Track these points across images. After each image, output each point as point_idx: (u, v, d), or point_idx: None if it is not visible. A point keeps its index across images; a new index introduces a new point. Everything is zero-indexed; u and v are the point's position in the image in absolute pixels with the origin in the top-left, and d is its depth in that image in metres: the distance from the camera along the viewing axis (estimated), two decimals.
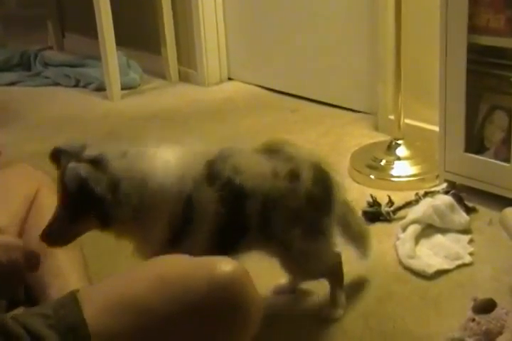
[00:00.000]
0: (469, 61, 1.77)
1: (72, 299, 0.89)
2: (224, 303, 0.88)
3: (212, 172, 1.23)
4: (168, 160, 1.23)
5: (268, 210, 1.26)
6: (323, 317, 1.44)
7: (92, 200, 1.14)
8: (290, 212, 1.28)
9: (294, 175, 1.27)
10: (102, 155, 1.16)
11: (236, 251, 1.27)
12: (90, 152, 1.17)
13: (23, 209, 1.22)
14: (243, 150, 1.31)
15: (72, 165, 1.14)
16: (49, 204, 1.23)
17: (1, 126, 2.66)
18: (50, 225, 1.16)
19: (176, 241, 1.22)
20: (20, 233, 1.22)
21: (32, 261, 1.08)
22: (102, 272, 1.40)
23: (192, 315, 0.87)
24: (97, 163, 1.15)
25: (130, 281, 0.92)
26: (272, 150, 1.31)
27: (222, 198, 1.22)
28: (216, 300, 0.88)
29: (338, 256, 1.43)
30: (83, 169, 1.14)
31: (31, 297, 1.23)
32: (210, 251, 1.20)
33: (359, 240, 1.46)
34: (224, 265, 0.91)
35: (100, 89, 2.96)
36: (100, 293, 0.92)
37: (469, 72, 1.78)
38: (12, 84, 3.18)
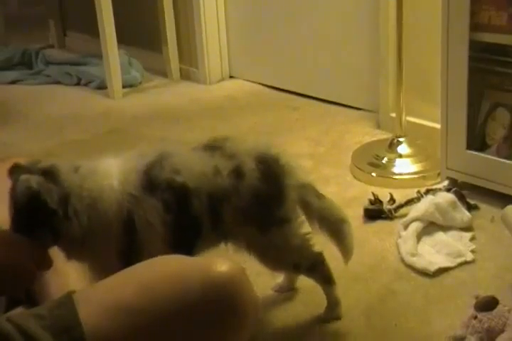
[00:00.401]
0: (471, 58, 1.76)
1: (68, 300, 0.88)
2: (220, 303, 0.87)
3: (151, 180, 1.20)
4: (111, 175, 1.20)
5: (216, 209, 1.24)
6: (323, 317, 1.43)
7: (43, 214, 1.11)
8: (239, 210, 1.26)
9: (237, 173, 1.24)
10: (54, 167, 1.15)
11: (197, 251, 1.26)
12: (43, 165, 1.15)
13: None
14: (181, 150, 1.27)
15: (23, 176, 1.11)
16: None
17: (2, 124, 2.67)
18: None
19: (130, 256, 1.20)
20: None
21: (44, 258, 1.08)
22: None
23: (188, 316, 0.87)
24: (49, 174, 1.14)
25: (126, 282, 0.91)
26: (213, 147, 1.28)
27: (165, 204, 1.20)
28: (212, 300, 0.87)
29: (319, 254, 1.38)
30: (34, 180, 1.11)
31: (31, 296, 1.23)
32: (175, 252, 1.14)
33: (332, 231, 1.38)
34: (219, 265, 0.90)
35: (102, 87, 2.96)
36: (96, 294, 0.91)
37: (471, 69, 1.77)
38: (13, 82, 3.18)
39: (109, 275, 0.96)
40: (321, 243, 1.39)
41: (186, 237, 1.24)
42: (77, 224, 1.15)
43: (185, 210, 1.22)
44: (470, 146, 1.84)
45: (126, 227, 1.19)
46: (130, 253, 1.20)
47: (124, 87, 2.91)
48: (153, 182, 1.20)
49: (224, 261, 0.91)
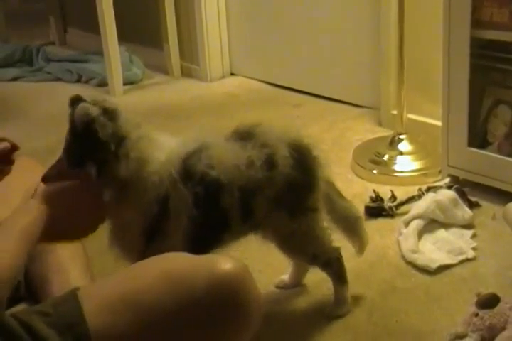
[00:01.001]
0: (472, 55, 1.76)
1: (73, 297, 0.89)
2: (224, 301, 0.88)
3: (187, 170, 1.21)
4: (163, 150, 1.21)
5: (248, 201, 1.25)
6: (327, 313, 1.44)
7: (93, 144, 1.13)
8: (271, 199, 1.27)
9: (270, 163, 1.25)
10: (116, 110, 1.17)
11: (223, 244, 1.27)
12: (106, 104, 1.17)
13: (23, 203, 1.22)
14: (218, 141, 1.27)
15: (84, 104, 1.14)
16: None
17: (3, 121, 2.66)
18: (51, 168, 1.15)
19: (152, 238, 1.21)
20: None
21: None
22: (104, 269, 1.40)
23: (192, 313, 0.87)
24: (109, 113, 1.15)
25: (130, 279, 0.92)
26: (245, 135, 1.27)
27: (196, 197, 1.20)
28: (216, 297, 0.87)
29: (337, 249, 1.41)
30: (93, 109, 1.14)
31: (32, 293, 1.23)
32: (193, 247, 1.17)
33: (349, 229, 1.43)
34: (224, 263, 0.91)
35: (102, 84, 2.96)
36: (101, 291, 0.92)
37: (473, 66, 1.77)
38: (14, 79, 3.17)
39: (125, 241, 0.96)
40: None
41: (212, 232, 1.24)
42: (124, 168, 1.15)
43: (215, 205, 1.22)
44: (471, 143, 1.83)
45: (161, 206, 1.19)
46: (155, 233, 1.20)
47: (124, 84, 2.91)
48: (189, 172, 1.20)
49: (228, 259, 0.92)
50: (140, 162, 1.17)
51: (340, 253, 1.41)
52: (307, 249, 1.37)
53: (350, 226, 1.43)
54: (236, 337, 0.91)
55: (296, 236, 1.33)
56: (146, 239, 1.21)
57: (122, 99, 2.85)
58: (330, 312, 1.44)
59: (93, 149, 1.14)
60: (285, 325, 1.43)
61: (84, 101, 1.16)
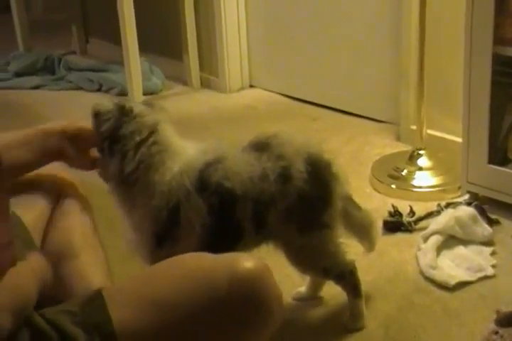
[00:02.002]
0: (494, 72, 1.76)
1: (98, 297, 0.90)
2: (246, 298, 0.89)
3: (203, 180, 1.22)
4: (178, 158, 1.23)
5: (261, 213, 1.25)
6: (344, 326, 1.43)
7: (113, 137, 1.21)
8: (283, 212, 1.26)
9: (285, 176, 1.24)
10: (132, 109, 1.22)
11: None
12: (126, 105, 1.24)
13: (48, 207, 1.23)
14: (234, 152, 1.27)
15: (104, 101, 1.24)
16: (73, 204, 1.24)
17: (25, 128, 2.68)
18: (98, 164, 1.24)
19: (163, 242, 1.23)
20: (45, 232, 1.22)
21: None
22: (124, 274, 1.40)
23: (215, 311, 0.88)
24: (124, 110, 1.22)
25: (153, 279, 0.93)
26: (262, 146, 1.27)
27: (210, 207, 1.21)
28: (238, 295, 0.88)
29: (351, 263, 1.39)
30: (106, 104, 1.22)
31: (55, 299, 1.23)
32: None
33: (363, 233, 1.43)
34: (245, 261, 0.92)
35: (122, 94, 2.98)
36: (125, 291, 0.93)
37: (494, 83, 1.77)
38: (36, 87, 3.22)
39: (137, 239, 1.05)
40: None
41: (226, 241, 1.25)
42: (128, 167, 1.20)
43: (229, 216, 1.23)
44: (491, 160, 1.83)
45: (170, 214, 1.21)
46: (165, 238, 1.23)
47: (144, 94, 2.93)
48: (204, 183, 1.22)
49: (249, 257, 0.94)
50: (147, 167, 1.20)
51: (354, 267, 1.40)
52: (317, 263, 1.37)
53: (364, 230, 1.43)
54: (257, 335, 0.92)
55: (305, 251, 1.33)
56: (157, 242, 1.23)
57: None
58: (345, 325, 1.43)
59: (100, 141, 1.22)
60: (301, 337, 1.42)
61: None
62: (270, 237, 1.32)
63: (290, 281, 1.53)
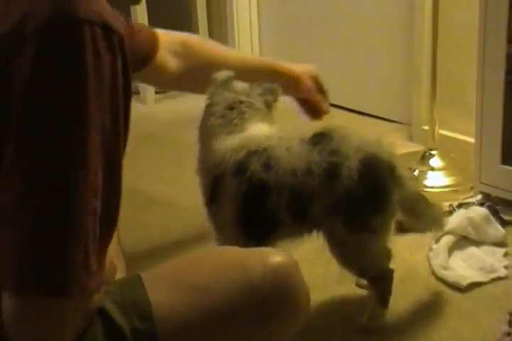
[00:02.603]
0: (507, 72, 1.75)
1: (137, 279, 0.93)
2: (278, 289, 0.93)
3: (240, 166, 1.26)
4: (239, 139, 1.30)
5: (301, 204, 1.26)
6: (360, 325, 1.41)
7: None
8: (330, 206, 1.25)
9: (332, 173, 1.22)
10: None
11: (275, 241, 1.31)
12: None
13: None
14: (290, 141, 1.28)
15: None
16: None
17: None
18: None
19: (209, 203, 1.33)
20: None
21: None
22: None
23: (248, 298, 0.92)
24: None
25: (191, 266, 0.98)
26: (319, 138, 1.26)
27: (241, 193, 1.25)
28: (271, 285, 0.92)
29: (389, 271, 1.39)
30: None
31: None
32: (242, 238, 1.27)
33: (433, 225, 1.44)
34: (276, 255, 0.96)
35: (134, 92, 2.98)
36: (163, 275, 0.96)
37: (507, 82, 1.76)
38: None
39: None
40: None
41: (260, 229, 1.28)
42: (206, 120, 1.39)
43: (260, 205, 1.26)
44: (505, 161, 1.82)
45: (215, 181, 1.29)
46: (210, 201, 1.32)
47: (156, 92, 2.93)
48: (241, 168, 1.25)
49: (279, 252, 0.98)
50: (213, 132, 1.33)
51: (391, 276, 1.39)
52: (355, 261, 1.35)
53: (433, 223, 1.43)
54: (284, 325, 0.95)
55: (347, 247, 1.32)
56: (206, 200, 1.33)
57: (154, 108, 2.87)
58: (362, 324, 1.42)
59: None
60: (315, 334, 1.42)
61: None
62: (316, 227, 1.32)
63: None
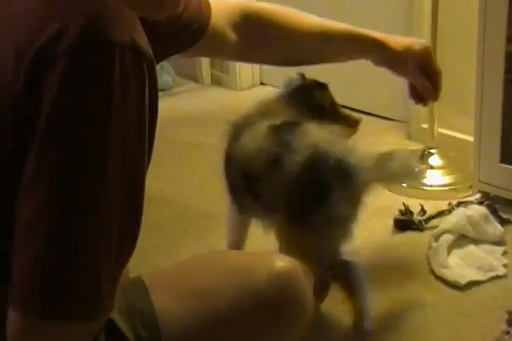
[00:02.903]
0: (507, 70, 1.75)
1: (141, 285, 0.92)
2: (283, 293, 0.92)
3: (228, 137, 1.38)
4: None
5: (251, 185, 1.31)
6: (353, 328, 1.40)
7: None
8: (273, 193, 1.29)
9: (275, 162, 1.27)
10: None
11: (244, 211, 1.38)
12: None
13: None
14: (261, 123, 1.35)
15: None
16: None
17: None
18: None
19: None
20: None
21: None
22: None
23: (253, 303, 0.91)
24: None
25: (195, 269, 0.97)
26: (283, 128, 1.32)
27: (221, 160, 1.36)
28: (276, 289, 0.92)
29: (351, 265, 1.35)
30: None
31: None
32: None
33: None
34: (281, 259, 0.96)
35: None
36: (166, 278, 0.95)
37: (507, 81, 1.76)
38: None
39: None
40: None
41: (231, 197, 1.37)
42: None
43: (227, 175, 1.37)
44: (504, 159, 1.82)
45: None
46: None
47: None
48: (226, 142, 1.39)
49: (284, 256, 0.98)
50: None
51: (356, 269, 1.34)
52: (303, 257, 1.32)
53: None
54: (290, 331, 0.95)
55: (292, 241, 1.31)
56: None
57: None
58: (354, 326, 1.39)
59: None
60: (315, 334, 1.41)
61: None
62: (271, 213, 1.33)
63: None
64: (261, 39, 1.38)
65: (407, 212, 1.82)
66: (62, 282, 0.75)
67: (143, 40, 0.79)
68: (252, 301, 0.91)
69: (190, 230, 1.84)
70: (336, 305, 1.47)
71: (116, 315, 0.86)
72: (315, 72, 2.82)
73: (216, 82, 3.08)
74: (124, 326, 0.86)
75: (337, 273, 1.36)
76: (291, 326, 0.94)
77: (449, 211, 1.78)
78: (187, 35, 1.23)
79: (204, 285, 0.92)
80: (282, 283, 0.93)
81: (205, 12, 1.27)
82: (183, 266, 1.00)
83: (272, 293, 0.91)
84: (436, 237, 1.69)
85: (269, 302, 0.91)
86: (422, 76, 1.48)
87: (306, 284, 0.96)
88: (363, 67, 2.61)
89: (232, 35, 1.32)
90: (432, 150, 2.09)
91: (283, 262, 0.95)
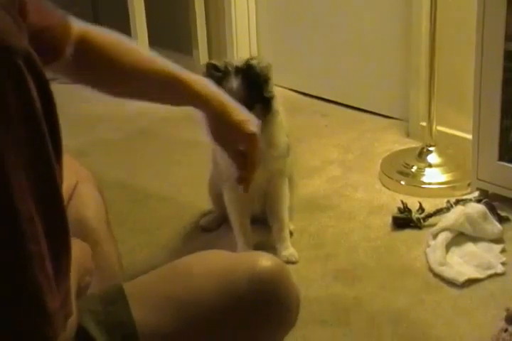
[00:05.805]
0: (506, 69, 1.75)
1: (120, 295, 0.90)
2: (266, 296, 0.90)
3: None
4: None
5: None
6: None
7: None
8: None
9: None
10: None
11: None
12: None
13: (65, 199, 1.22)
14: None
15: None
16: (88, 193, 1.23)
17: None
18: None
19: None
20: None
21: None
22: (130, 268, 1.41)
23: (236, 309, 0.89)
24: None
25: (174, 276, 0.94)
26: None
27: None
28: (258, 293, 0.89)
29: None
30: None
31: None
32: None
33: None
34: (264, 260, 0.93)
35: None
36: (146, 288, 0.93)
37: (505, 79, 1.76)
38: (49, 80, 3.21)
39: None
40: None
41: None
42: None
43: None
44: (502, 158, 1.82)
45: None
46: None
47: None
48: None
49: (267, 256, 0.94)
50: None
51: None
52: None
53: None
54: (275, 333, 0.93)
55: None
56: None
57: (150, 103, 2.85)
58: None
59: None
60: (299, 334, 1.42)
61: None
62: None
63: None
64: (90, 65, 1.20)
65: (405, 209, 1.82)
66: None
67: (14, 33, 0.69)
68: (235, 306, 0.89)
69: (188, 227, 1.85)
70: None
71: (93, 327, 0.85)
72: (315, 71, 2.83)
73: None
74: (101, 339, 0.85)
75: None
76: (278, 327, 0.93)
77: (448, 209, 1.79)
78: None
79: (183, 294, 0.90)
80: (265, 286, 0.90)
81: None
82: (163, 274, 0.97)
83: (255, 298, 0.89)
84: (435, 235, 1.70)
85: (253, 307, 0.89)
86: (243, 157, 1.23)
87: (290, 284, 0.93)
88: (362, 65, 2.63)
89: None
90: (430, 148, 2.09)
91: (266, 263, 0.92)
